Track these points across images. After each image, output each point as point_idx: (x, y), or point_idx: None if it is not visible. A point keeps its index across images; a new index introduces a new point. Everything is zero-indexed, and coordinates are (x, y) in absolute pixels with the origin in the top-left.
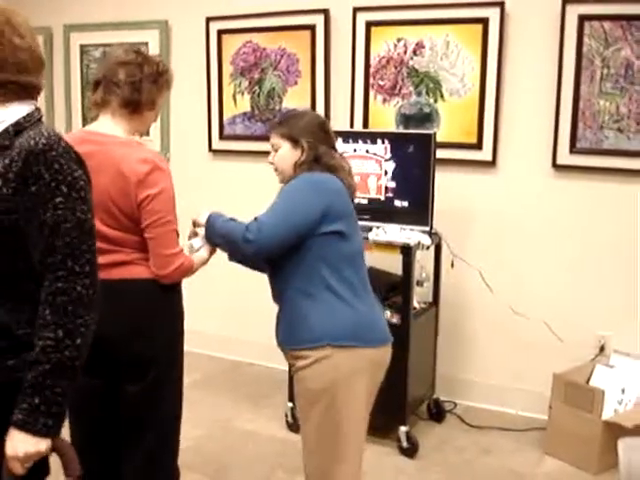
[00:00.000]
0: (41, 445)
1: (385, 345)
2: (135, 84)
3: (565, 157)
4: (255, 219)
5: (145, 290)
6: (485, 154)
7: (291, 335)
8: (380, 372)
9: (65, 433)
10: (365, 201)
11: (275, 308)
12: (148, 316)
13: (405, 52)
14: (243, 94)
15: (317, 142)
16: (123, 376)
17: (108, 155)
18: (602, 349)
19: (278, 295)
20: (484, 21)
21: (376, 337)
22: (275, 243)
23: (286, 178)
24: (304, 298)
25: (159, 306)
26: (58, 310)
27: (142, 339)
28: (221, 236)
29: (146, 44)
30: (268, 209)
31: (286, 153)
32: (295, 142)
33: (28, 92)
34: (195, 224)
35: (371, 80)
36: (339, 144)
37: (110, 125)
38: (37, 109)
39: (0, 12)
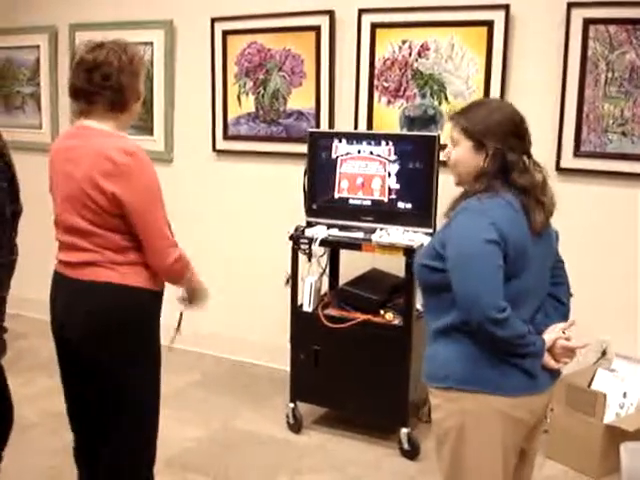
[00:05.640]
0: None
1: (523, 395)
2: (114, 86)
3: (569, 160)
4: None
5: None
6: None
7: (426, 370)
8: (516, 428)
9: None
10: (368, 203)
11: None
12: (106, 321)
13: (410, 54)
14: (248, 95)
15: (506, 149)
16: (80, 376)
17: (89, 147)
18: (604, 353)
19: (429, 331)
20: (489, 24)
21: (509, 384)
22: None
23: (462, 183)
24: (440, 335)
25: (123, 312)
26: None
27: (97, 342)
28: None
29: (151, 44)
30: (463, 286)
31: (466, 155)
32: (480, 144)
33: None
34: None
35: (376, 82)
36: (342, 145)
37: (101, 123)
38: None
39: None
